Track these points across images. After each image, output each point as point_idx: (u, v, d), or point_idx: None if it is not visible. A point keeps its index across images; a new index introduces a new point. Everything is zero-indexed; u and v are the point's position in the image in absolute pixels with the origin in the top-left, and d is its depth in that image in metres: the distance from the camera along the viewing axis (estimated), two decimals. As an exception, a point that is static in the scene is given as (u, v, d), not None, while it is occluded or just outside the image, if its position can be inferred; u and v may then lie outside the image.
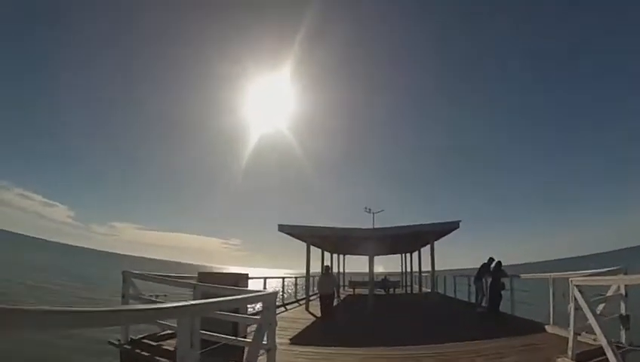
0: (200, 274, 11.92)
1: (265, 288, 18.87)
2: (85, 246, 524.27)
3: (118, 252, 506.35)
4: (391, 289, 33.42)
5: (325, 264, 22.68)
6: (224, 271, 12.54)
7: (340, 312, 18.25)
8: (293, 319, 16.41)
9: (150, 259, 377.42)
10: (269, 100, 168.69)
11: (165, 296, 10.06)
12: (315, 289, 21.55)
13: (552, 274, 13.09)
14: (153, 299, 9.56)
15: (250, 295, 6.22)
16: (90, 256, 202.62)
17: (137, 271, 9.93)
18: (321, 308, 16.29)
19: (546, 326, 12.79)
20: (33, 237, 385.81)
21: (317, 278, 20.68)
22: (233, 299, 5.47)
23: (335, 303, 16.77)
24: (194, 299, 8.39)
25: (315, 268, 22.28)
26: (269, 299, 6.51)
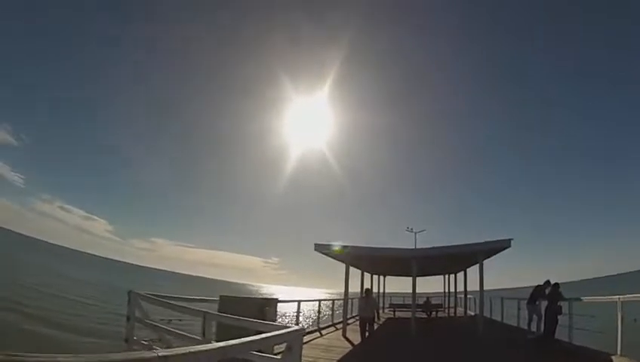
0: (222, 298, 10.79)
1: (299, 312, 17.72)
2: (125, 260, 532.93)
3: (158, 267, 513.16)
4: (433, 312, 31.81)
5: (365, 287, 21.91)
6: (252, 296, 11.31)
7: (379, 340, 17.79)
8: (328, 347, 15.01)
9: (192, 276, 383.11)
10: (309, 121, 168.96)
11: (180, 320, 8.95)
12: (355, 312, 21.99)
13: (621, 297, 11.46)
14: (162, 325, 8.44)
15: (268, 335, 4.96)
16: (131, 271, 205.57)
17: (144, 293, 8.84)
18: (360, 332, 16.30)
19: (613, 357, 11.22)
20: (74, 250, 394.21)
21: (356, 300, 21.06)
22: (241, 343, 4.20)
23: (375, 327, 17.50)
24: (204, 332, 7.25)
25: (354, 287, 21.10)
26: (293, 338, 5.31)
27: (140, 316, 8.66)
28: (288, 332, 5.48)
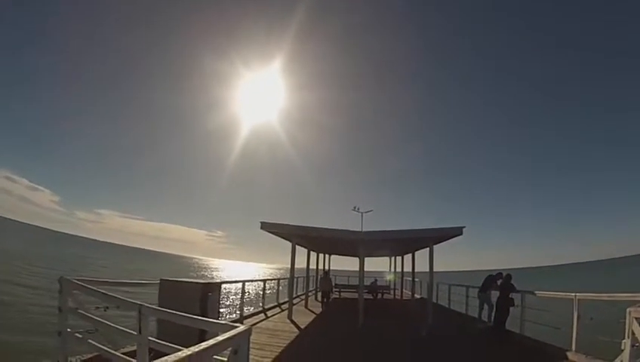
0: (162, 282, 9.86)
1: (243, 292, 17.02)
2: (70, 232, 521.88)
3: (104, 240, 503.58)
4: (379, 294, 31.65)
5: (325, 269, 32.55)
6: (194, 281, 10.17)
7: (326, 323, 18.31)
8: (274, 331, 14.39)
9: (137, 249, 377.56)
10: (260, 96, 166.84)
11: (118, 307, 8.02)
12: (300, 291, 28.01)
13: (578, 295, 11.25)
14: (97, 317, 7.50)
15: (212, 343, 4.09)
16: (77, 243, 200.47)
17: (77, 280, 7.81)
18: (321, 300, 23.88)
19: (568, 353, 11.08)
20: (20, 222, 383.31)
21: (301, 279, 28.21)
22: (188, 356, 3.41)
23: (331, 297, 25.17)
24: (140, 327, 6.39)
25: (299, 263, 21.49)
26: (239, 341, 4.54)
27: (74, 305, 7.75)
28: (233, 335, 4.70)
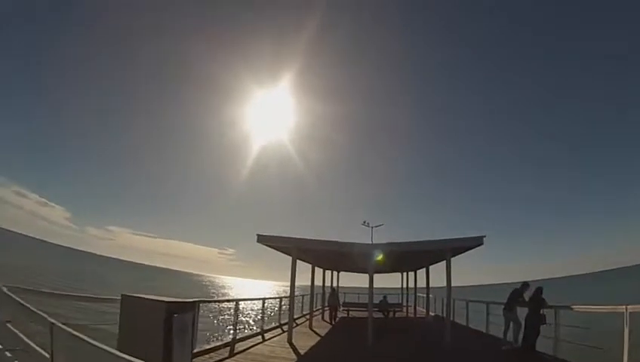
0: (124, 298, 8.07)
1: (237, 313, 15.10)
2: (82, 249, 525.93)
3: (114, 257, 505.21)
4: (391, 313, 29.66)
5: (332, 286, 33.38)
6: (160, 299, 8.22)
7: (331, 348, 16.21)
8: (268, 358, 12.36)
9: (147, 266, 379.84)
10: (270, 112, 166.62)
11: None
12: (305, 310, 26.67)
13: (630, 307, 9.24)
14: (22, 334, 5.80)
15: None
16: (87, 260, 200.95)
17: (6, 289, 6.15)
18: (329, 315, 25.86)
19: (618, 380, 9.03)
20: (31, 237, 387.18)
21: (307, 297, 27.17)
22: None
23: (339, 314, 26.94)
24: (52, 351, 4.60)
25: (302, 280, 21.03)
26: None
27: (7, 317, 6.16)
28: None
